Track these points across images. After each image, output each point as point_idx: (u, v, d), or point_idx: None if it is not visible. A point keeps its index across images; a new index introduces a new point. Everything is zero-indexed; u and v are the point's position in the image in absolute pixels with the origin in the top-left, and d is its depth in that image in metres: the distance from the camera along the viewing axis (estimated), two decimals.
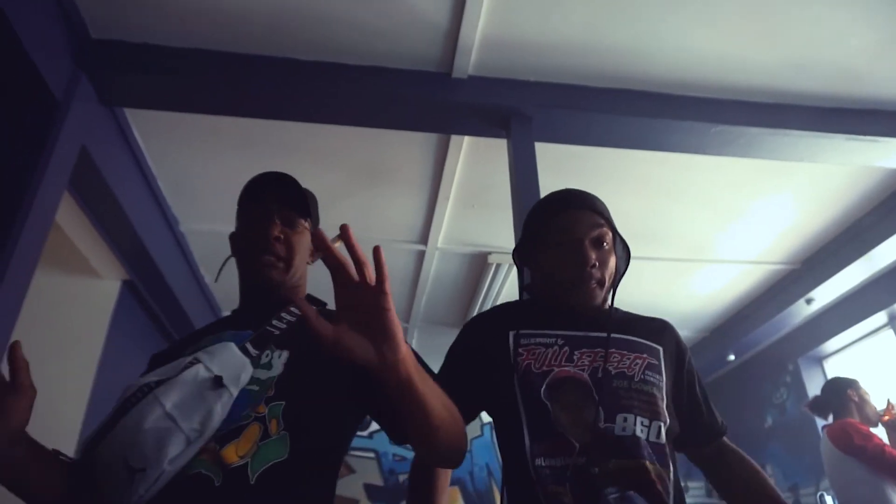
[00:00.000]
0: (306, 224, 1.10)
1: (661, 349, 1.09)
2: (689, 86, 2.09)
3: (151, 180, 2.42)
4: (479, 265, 3.17)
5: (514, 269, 2.35)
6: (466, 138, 2.27)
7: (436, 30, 1.87)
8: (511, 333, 1.08)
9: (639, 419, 0.98)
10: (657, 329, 1.14)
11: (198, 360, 0.85)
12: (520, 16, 1.83)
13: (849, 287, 3.15)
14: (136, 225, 2.31)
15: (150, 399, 0.80)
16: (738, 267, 3.25)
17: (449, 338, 1.17)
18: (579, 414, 0.98)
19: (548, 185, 1.94)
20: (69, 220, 2.19)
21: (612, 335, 1.06)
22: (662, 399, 1.03)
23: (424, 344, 3.98)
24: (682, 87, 2.10)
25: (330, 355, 0.71)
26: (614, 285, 1.15)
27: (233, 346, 0.89)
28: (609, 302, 1.14)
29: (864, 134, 2.13)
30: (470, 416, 1.08)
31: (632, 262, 1.24)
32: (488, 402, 1.10)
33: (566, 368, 1.03)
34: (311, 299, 1.05)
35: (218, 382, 0.83)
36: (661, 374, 1.05)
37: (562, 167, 2.38)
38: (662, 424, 1.00)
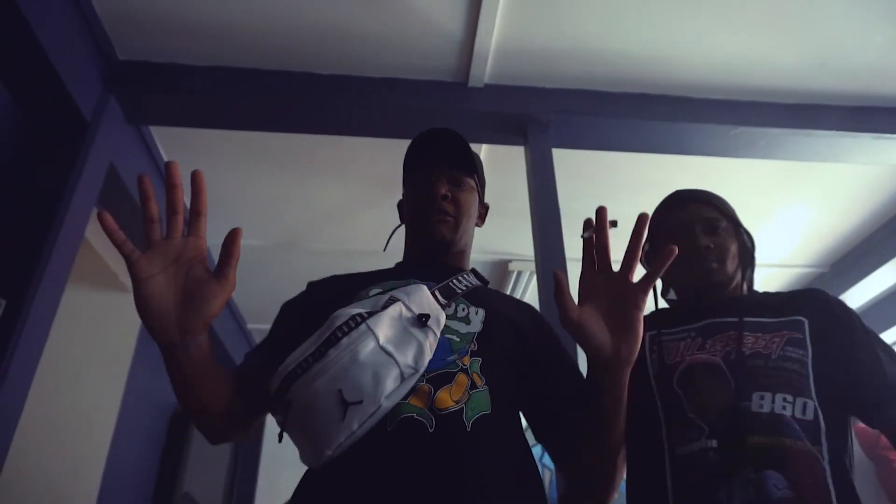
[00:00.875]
0: (472, 183, 1.06)
1: (805, 321, 1.02)
2: (709, 88, 2.07)
3: None
4: (500, 273, 3.16)
5: (535, 276, 2.32)
6: (484, 146, 2.27)
7: (451, 40, 1.88)
8: (648, 335, 1.10)
9: (779, 395, 0.93)
10: (804, 301, 1.06)
11: (396, 299, 0.81)
12: (535, 23, 1.84)
13: (881, 290, 3.06)
14: None
15: (363, 329, 0.75)
16: (764, 270, 3.18)
17: None
18: (713, 398, 0.96)
19: (567, 191, 1.94)
20: (98, 235, 2.25)
21: (747, 319, 1.03)
22: (808, 375, 0.96)
23: None
24: (702, 90, 2.07)
25: (569, 331, 0.72)
26: (746, 274, 1.14)
27: (426, 289, 0.86)
28: (742, 288, 1.13)
29: (892, 132, 2.08)
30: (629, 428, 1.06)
31: None
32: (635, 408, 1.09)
33: (699, 356, 1.02)
34: (476, 274, 1.01)
35: (423, 321, 0.79)
36: (805, 347, 0.98)
37: (581, 173, 2.37)
38: (809, 400, 0.94)
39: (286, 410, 0.74)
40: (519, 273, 3.09)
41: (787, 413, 0.92)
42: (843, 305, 1.06)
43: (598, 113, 2.04)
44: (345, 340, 0.74)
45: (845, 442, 0.95)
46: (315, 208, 2.65)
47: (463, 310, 0.89)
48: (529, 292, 3.25)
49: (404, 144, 2.39)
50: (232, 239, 0.71)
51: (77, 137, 1.75)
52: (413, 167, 1.07)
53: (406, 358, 0.75)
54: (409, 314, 0.80)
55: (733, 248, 1.11)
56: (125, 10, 1.76)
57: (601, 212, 0.73)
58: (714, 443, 0.92)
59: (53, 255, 1.60)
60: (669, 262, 0.72)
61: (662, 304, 1.21)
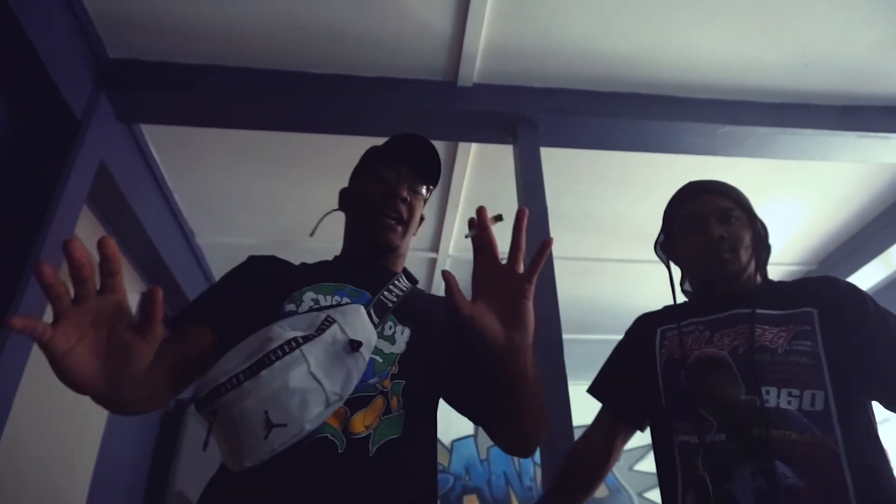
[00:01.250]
0: (426, 193, 1.09)
1: (814, 311, 1.02)
2: (697, 88, 2.09)
3: (168, 194, 2.48)
4: None
5: None
6: (474, 145, 2.29)
7: (440, 39, 1.90)
8: (659, 330, 1.14)
9: (784, 391, 0.95)
10: (813, 290, 1.06)
11: (332, 320, 0.82)
12: (523, 23, 1.86)
13: (868, 286, 3.09)
14: (154, 238, 2.37)
15: (296, 355, 0.77)
16: None
17: None
18: (720, 391, 0.98)
19: (555, 189, 1.96)
20: (88, 233, 2.25)
21: (757, 311, 1.04)
22: (820, 365, 0.96)
23: None
24: (689, 90, 2.10)
25: (461, 328, 0.76)
26: (760, 262, 1.15)
27: (363, 311, 0.87)
28: (755, 278, 1.13)
29: (876, 131, 2.11)
30: (631, 414, 1.15)
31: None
32: (641, 397, 1.12)
33: (706, 350, 1.04)
34: (408, 274, 1.03)
35: (355, 347, 0.80)
36: (814, 339, 0.98)
37: (569, 171, 2.39)
38: (818, 391, 0.94)
39: (212, 419, 0.76)
40: None
41: (793, 407, 0.93)
42: (853, 289, 1.05)
43: (586, 112, 2.05)
44: (277, 364, 0.75)
45: (867, 427, 0.95)
46: (310, 207, 2.66)
47: (390, 328, 0.91)
48: None
49: None
50: (151, 299, 0.63)
51: (68, 135, 1.76)
52: (379, 161, 1.08)
53: (334, 386, 0.77)
54: (342, 337, 0.81)
55: (747, 237, 1.12)
56: (116, 8, 1.77)
57: (481, 211, 0.76)
58: (723, 436, 0.94)
59: (43, 251, 1.60)
60: (547, 252, 0.76)
61: (680, 297, 1.23)
